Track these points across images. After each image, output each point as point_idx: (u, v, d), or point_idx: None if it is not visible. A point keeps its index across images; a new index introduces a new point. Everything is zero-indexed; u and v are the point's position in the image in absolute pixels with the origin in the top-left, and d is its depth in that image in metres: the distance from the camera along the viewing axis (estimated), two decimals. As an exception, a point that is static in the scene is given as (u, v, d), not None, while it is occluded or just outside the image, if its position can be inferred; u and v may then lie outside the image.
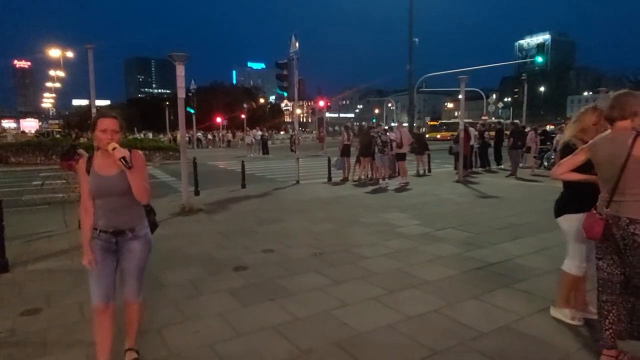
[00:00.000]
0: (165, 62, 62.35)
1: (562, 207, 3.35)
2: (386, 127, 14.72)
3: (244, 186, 11.52)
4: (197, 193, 10.40)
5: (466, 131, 13.86)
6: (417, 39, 27.53)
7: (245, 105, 46.29)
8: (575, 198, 3.19)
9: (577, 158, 2.89)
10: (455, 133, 14.62)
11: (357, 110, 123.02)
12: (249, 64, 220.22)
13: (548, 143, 16.27)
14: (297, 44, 12.58)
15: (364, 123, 53.04)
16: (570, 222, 3.23)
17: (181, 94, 8.36)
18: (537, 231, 6.24)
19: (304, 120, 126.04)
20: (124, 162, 2.48)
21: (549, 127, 29.86)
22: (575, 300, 3.46)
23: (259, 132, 27.33)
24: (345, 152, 13.31)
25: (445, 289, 4.20)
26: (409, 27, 26.30)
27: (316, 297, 4.05)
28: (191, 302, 3.98)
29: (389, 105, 69.31)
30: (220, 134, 43.21)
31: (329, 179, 12.81)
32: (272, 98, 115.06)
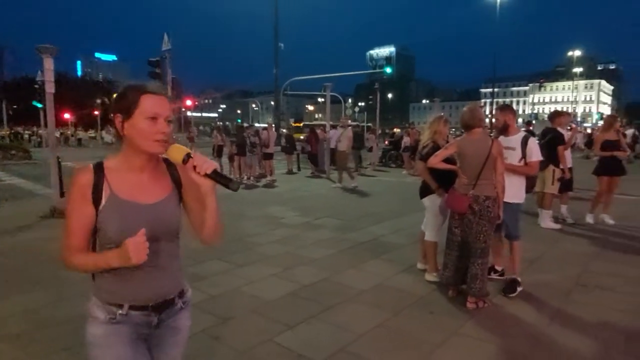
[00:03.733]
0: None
1: (426, 190, 4.49)
2: (260, 127, 15.51)
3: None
4: (62, 195, 9.71)
5: (314, 132, 15.55)
6: (282, 44, 28.88)
7: (98, 101, 42.23)
8: (437, 182, 4.34)
9: (448, 151, 3.97)
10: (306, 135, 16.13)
11: (220, 110, 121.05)
12: (97, 55, 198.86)
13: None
14: (169, 43, 12.52)
15: (227, 123, 53.02)
16: (432, 201, 4.40)
17: (50, 88, 7.86)
18: (394, 216, 7.67)
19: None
20: (223, 182, 1.37)
21: (396, 130, 34.05)
22: (432, 264, 4.62)
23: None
24: (219, 152, 13.69)
25: (329, 263, 5.12)
26: (275, 33, 27.47)
27: (225, 278, 4.59)
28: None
29: (253, 106, 70.15)
30: (69, 132, 38.78)
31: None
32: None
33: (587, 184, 8.40)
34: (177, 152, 1.36)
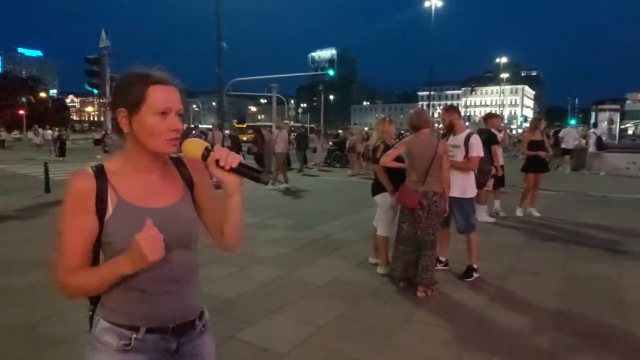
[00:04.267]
0: None
1: (378, 188, 4.73)
2: (204, 128, 15.25)
3: (48, 190, 10.43)
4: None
5: (260, 132, 15.61)
6: (225, 44, 28.43)
7: (23, 100, 39.10)
8: (389, 179, 4.57)
9: (398, 151, 4.23)
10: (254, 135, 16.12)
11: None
12: (20, 50, 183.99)
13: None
14: (107, 40, 12.00)
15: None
16: (384, 198, 4.64)
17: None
18: (342, 215, 7.92)
19: (94, 118, 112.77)
20: (252, 176, 1.19)
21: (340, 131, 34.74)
22: (383, 258, 4.86)
23: (49, 131, 23.94)
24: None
25: (284, 261, 5.23)
26: (217, 32, 26.97)
27: (179, 280, 4.55)
28: (53, 300, 3.99)
29: (194, 106, 68.31)
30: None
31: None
32: (53, 92, 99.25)
33: (516, 181, 9.16)
34: (194, 147, 1.18)
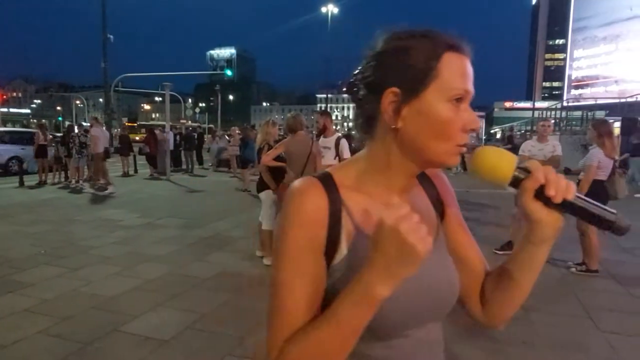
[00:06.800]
0: None
1: (262, 185, 5.08)
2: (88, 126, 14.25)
3: None
4: None
5: (152, 132, 15.24)
6: (112, 36, 26.63)
7: None
8: (272, 178, 4.94)
9: (278, 150, 4.63)
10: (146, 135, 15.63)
11: (33, 105, 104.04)
12: None
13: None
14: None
15: (44, 121, 46.14)
16: (268, 195, 5.00)
17: None
18: (234, 213, 8.16)
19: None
20: (607, 219, 0.67)
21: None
22: (268, 250, 5.21)
23: None
24: (40, 153, 12.19)
25: (174, 258, 5.33)
26: (103, 23, 25.20)
27: (59, 282, 4.44)
28: None
29: (77, 102, 62.47)
30: None
31: (21, 182, 11.48)
32: None
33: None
34: (497, 161, 0.72)
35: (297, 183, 0.76)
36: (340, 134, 5.24)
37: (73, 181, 12.00)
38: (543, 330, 3.33)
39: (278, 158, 4.76)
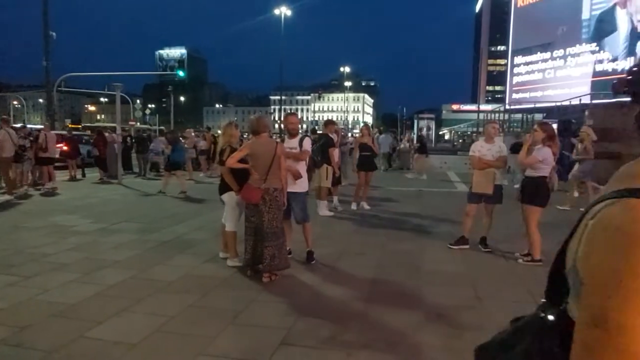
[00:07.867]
0: None
1: (224, 187, 5.08)
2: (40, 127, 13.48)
3: None
4: None
5: (102, 134, 14.80)
6: (54, 33, 25.27)
7: None
8: (235, 180, 4.95)
9: (242, 153, 4.64)
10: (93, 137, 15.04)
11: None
12: None
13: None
14: None
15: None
16: (230, 196, 5.02)
17: None
18: (194, 216, 8.06)
19: None
20: None
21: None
22: (232, 251, 5.24)
23: None
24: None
25: (135, 263, 5.23)
26: (44, 19, 23.85)
27: (12, 291, 4.25)
28: None
29: (15, 102, 58.60)
30: None
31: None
32: None
33: (352, 179, 10.46)
34: None
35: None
36: (302, 134, 5.39)
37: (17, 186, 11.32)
38: (495, 316, 3.60)
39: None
